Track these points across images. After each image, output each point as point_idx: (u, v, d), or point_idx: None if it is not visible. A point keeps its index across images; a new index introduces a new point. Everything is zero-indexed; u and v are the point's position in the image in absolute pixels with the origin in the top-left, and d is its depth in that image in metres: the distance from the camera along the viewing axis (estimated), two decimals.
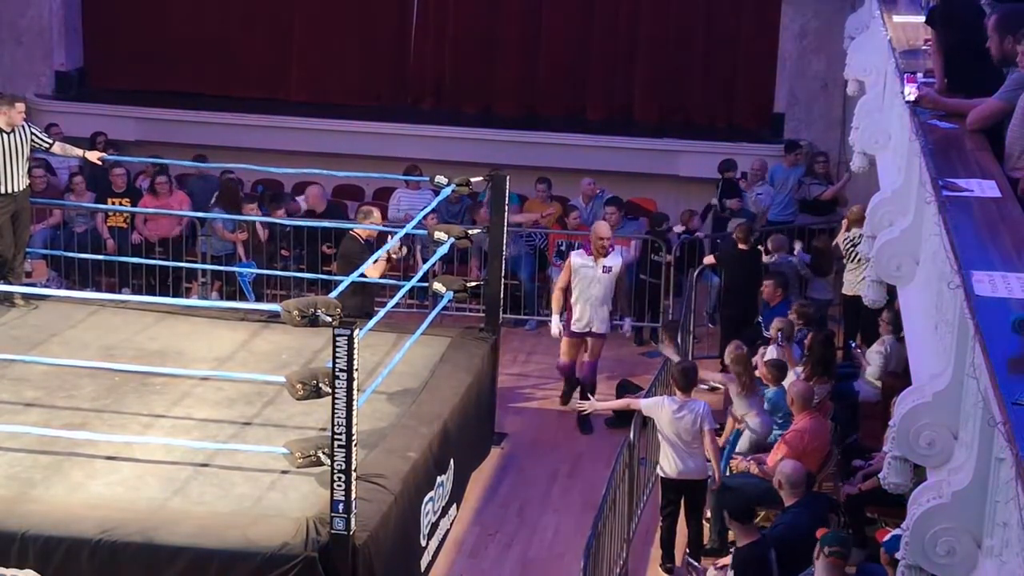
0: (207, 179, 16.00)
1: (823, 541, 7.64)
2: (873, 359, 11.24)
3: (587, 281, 12.41)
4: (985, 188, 6.16)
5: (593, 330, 12.49)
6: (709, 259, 14.09)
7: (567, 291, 12.51)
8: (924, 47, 9.11)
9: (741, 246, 13.52)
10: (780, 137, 16.98)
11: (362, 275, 10.07)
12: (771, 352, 11.32)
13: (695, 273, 14.47)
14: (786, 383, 10.41)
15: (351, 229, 11.91)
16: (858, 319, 12.62)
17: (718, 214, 15.66)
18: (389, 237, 11.82)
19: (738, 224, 14.00)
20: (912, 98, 7.56)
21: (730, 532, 10.04)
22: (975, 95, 7.34)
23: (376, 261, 10.73)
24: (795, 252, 13.90)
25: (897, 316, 10.75)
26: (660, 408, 9.79)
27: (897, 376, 10.58)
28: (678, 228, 15.32)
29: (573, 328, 12.50)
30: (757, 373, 10.98)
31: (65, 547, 7.75)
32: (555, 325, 12.60)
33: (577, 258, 12.56)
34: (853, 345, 12.04)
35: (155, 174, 15.47)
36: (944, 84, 7.98)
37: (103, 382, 9.80)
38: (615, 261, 12.56)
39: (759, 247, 13.68)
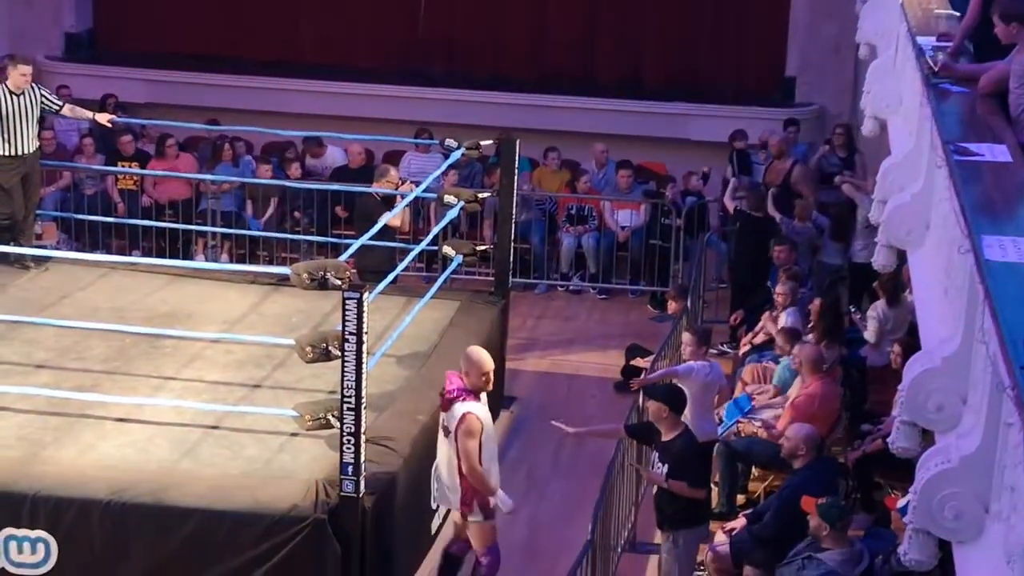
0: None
1: (827, 517, 7.66)
2: (869, 324, 11.29)
3: (491, 431, 8.67)
4: (996, 153, 6.14)
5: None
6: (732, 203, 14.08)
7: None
8: (937, 10, 9.05)
9: (755, 214, 13.54)
10: (791, 101, 16.95)
11: (386, 226, 10.16)
12: (783, 319, 11.35)
13: (704, 238, 14.51)
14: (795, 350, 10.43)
15: (369, 192, 11.94)
16: (867, 286, 12.63)
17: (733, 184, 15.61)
18: (412, 186, 11.82)
19: (749, 191, 14.02)
20: (936, 68, 7.51)
21: (739, 496, 10.12)
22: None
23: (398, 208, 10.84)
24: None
25: (892, 281, 10.78)
26: (693, 373, 9.79)
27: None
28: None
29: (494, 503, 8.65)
30: (768, 338, 11.02)
31: (76, 508, 7.79)
32: (506, 500, 8.65)
33: (480, 409, 8.41)
34: (852, 310, 12.08)
35: (161, 137, 15.52)
36: (962, 47, 7.94)
37: (113, 344, 9.82)
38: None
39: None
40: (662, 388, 9.17)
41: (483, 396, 8.50)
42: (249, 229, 14.78)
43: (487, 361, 8.51)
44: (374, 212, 11.10)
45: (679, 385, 9.43)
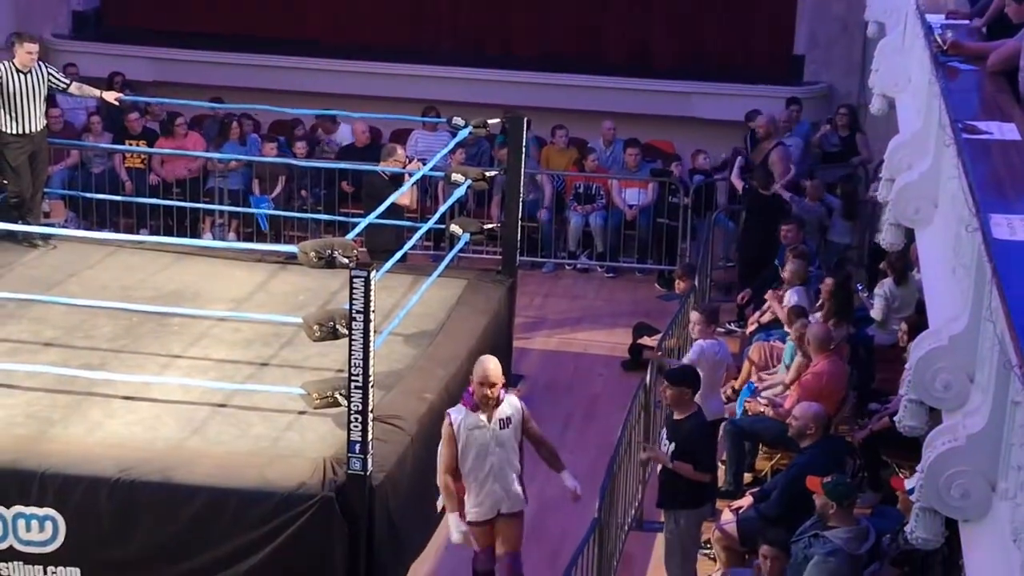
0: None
1: (833, 495, 7.66)
2: (876, 303, 11.28)
3: (483, 448, 8.24)
4: (1005, 131, 6.14)
5: (503, 511, 8.36)
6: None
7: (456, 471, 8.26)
8: None
9: (763, 191, 13.52)
10: (800, 79, 16.91)
11: (394, 205, 10.14)
12: (789, 297, 11.34)
13: (712, 217, 14.50)
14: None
15: (377, 171, 11.94)
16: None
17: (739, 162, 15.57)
18: (419, 165, 11.84)
19: (758, 169, 14.00)
20: (945, 46, 7.50)
21: (746, 474, 10.12)
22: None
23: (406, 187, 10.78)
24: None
25: (900, 259, 10.77)
26: (703, 353, 9.80)
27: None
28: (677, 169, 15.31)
29: (471, 517, 8.30)
30: (775, 316, 11.00)
31: (84, 486, 7.80)
32: (455, 527, 8.27)
33: (465, 418, 8.19)
34: (860, 288, 12.07)
35: (169, 116, 15.53)
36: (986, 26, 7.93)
37: (121, 322, 9.83)
38: (513, 408, 8.33)
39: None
40: (678, 371, 9.05)
41: (498, 414, 8.17)
42: (252, 208, 14.78)
43: (490, 373, 8.08)
44: (382, 191, 11.10)
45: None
